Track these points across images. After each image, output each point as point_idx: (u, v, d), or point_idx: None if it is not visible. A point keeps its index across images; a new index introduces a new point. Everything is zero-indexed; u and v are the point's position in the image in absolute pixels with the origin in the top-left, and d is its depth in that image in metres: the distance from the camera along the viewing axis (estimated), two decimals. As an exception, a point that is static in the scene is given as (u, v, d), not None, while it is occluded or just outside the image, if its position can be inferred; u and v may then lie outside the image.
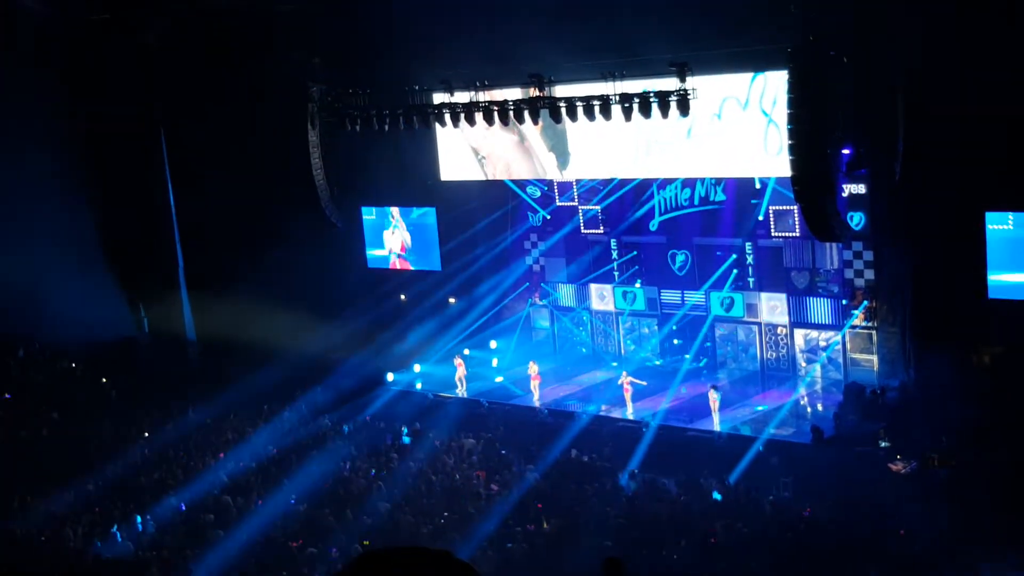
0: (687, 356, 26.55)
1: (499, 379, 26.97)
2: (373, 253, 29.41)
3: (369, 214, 29.18)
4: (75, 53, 28.33)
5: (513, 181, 27.94)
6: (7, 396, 26.88)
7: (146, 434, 24.90)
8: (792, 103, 19.54)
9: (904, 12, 19.69)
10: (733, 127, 22.61)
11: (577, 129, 23.55)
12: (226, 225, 29.17)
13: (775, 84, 21.52)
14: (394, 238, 28.94)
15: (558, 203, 28.46)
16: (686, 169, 24.58)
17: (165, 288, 30.77)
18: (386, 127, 24.72)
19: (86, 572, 18.67)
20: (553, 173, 26.00)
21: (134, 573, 18.57)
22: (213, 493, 21.39)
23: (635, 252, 27.60)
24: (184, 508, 20.80)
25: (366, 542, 19.22)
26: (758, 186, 24.93)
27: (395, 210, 28.83)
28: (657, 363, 27.03)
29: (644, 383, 24.32)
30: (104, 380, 28.33)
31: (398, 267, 29.14)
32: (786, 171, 20.24)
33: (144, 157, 30.40)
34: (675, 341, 27.17)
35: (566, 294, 29.15)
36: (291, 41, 26.72)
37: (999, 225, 20.54)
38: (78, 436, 24.53)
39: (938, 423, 20.54)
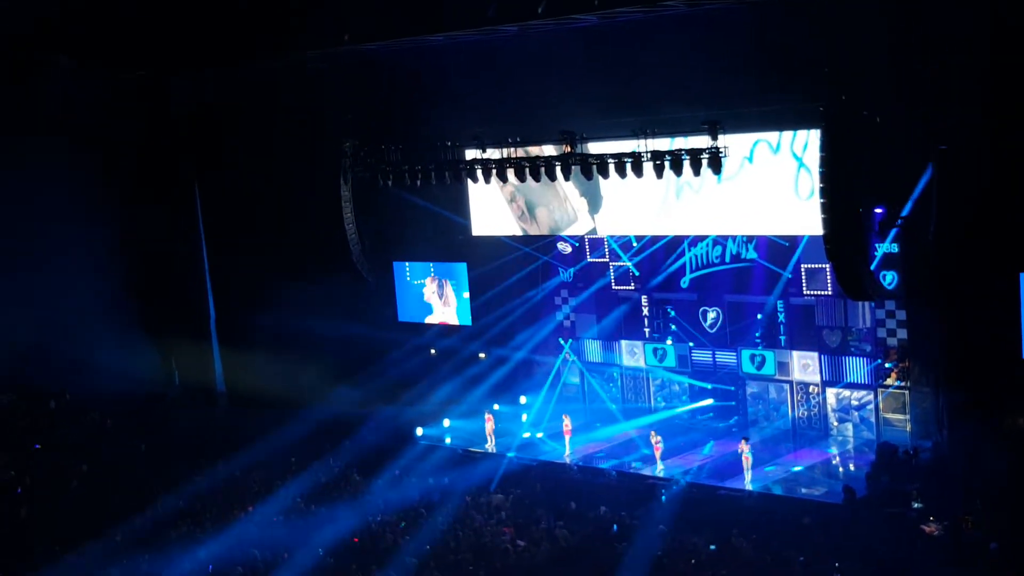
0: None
1: (539, 435, 26.82)
2: (405, 308, 29.59)
3: (418, 275, 29.18)
4: (108, 109, 28.80)
5: (544, 237, 28.01)
6: (37, 446, 27.05)
7: (175, 486, 24.93)
8: (824, 162, 19.58)
9: (936, 71, 19.72)
10: (764, 170, 22.66)
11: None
12: (258, 279, 29.43)
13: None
14: (441, 301, 29.03)
15: (589, 259, 28.53)
16: (718, 226, 24.57)
17: (196, 341, 30.99)
18: (418, 182, 24.98)
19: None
20: (585, 218, 26.04)
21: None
22: (241, 546, 21.34)
23: (666, 309, 27.56)
24: (211, 568, 20.76)
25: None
26: (787, 244, 24.92)
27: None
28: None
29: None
30: (134, 432, 28.46)
31: (439, 321, 29.17)
32: (818, 227, 20.21)
33: (177, 212, 30.79)
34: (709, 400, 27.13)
35: (596, 350, 29.09)
36: (325, 97, 27.14)
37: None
38: (107, 488, 24.57)
39: (972, 486, 20.29)
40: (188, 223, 30.92)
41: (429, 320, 29.06)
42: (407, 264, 29.20)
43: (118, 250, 30.42)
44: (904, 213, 21.30)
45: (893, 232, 21.92)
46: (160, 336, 31.26)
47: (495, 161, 23.97)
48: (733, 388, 26.64)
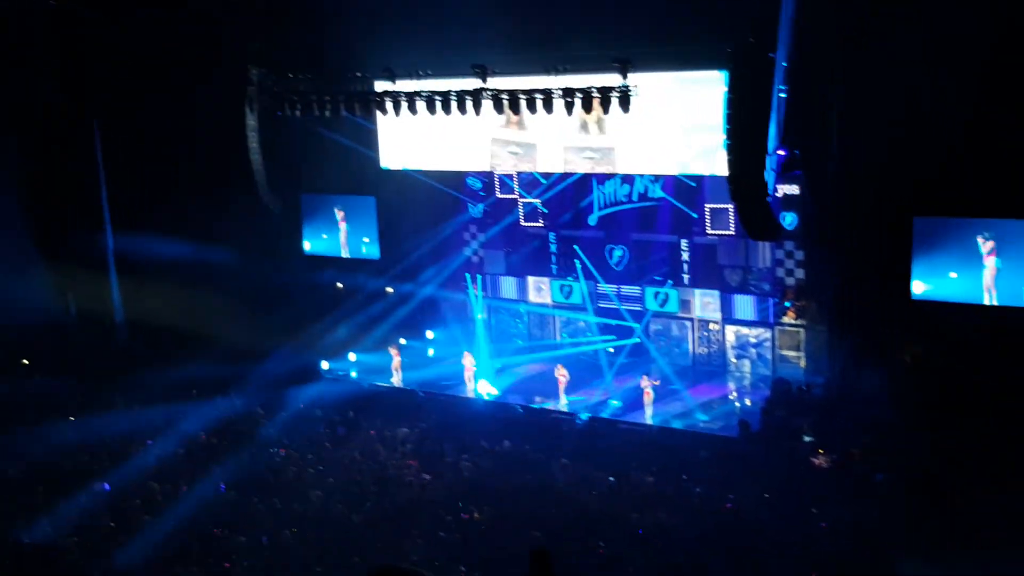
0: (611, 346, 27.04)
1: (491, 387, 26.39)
2: (312, 241, 29.40)
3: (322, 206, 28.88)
4: (6, 33, 27.56)
5: (454, 172, 27.86)
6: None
7: (72, 418, 24.47)
8: (730, 104, 19.78)
9: (840, 18, 20.05)
10: (673, 106, 22.65)
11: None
12: (160, 209, 28.69)
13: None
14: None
15: (498, 195, 28.53)
16: (626, 166, 24.67)
17: (94, 271, 30.16)
18: (327, 113, 24.57)
19: (4, 557, 18.36)
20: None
21: (55, 558, 18.32)
22: (140, 479, 21.14)
23: (573, 246, 27.79)
24: (109, 488, 20.53)
25: (294, 530, 19.20)
26: (694, 184, 25.27)
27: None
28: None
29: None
30: (28, 363, 27.76)
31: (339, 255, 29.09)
32: (723, 167, 20.49)
33: (75, 138, 29.71)
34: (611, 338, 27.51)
35: (504, 286, 29.24)
36: (231, 22, 26.38)
37: (925, 229, 21.07)
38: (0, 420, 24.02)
39: (861, 420, 21.12)
40: (86, 149, 29.87)
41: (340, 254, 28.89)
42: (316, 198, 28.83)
43: (11, 177, 29.30)
44: (804, 156, 21.71)
45: (794, 174, 22.37)
46: (56, 264, 30.34)
47: (405, 94, 23.69)
48: (637, 325, 27.07)
